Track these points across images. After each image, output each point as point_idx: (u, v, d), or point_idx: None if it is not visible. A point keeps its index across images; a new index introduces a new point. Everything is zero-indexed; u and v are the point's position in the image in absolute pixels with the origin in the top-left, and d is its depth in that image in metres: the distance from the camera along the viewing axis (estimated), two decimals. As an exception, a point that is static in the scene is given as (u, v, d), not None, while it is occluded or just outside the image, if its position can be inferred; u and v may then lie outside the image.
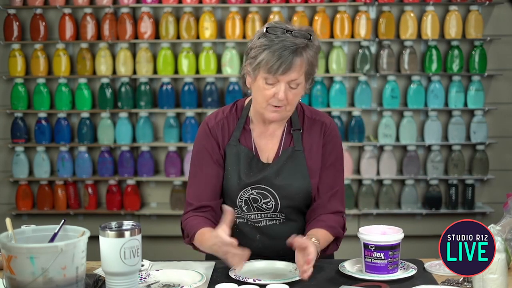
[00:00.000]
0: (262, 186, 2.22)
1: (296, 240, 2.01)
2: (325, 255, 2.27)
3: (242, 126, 2.26)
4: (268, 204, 2.24)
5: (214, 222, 2.20)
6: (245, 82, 2.23)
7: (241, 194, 2.23)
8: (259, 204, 2.24)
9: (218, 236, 1.98)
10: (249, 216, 2.26)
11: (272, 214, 2.26)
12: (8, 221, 1.87)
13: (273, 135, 2.28)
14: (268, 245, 2.29)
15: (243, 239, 2.25)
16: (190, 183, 2.29)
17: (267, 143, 2.28)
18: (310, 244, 2.00)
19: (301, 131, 2.27)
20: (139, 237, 1.84)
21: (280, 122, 2.26)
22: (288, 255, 2.26)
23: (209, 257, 2.43)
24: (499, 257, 1.90)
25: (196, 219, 2.22)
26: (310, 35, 2.13)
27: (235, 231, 2.28)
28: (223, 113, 2.30)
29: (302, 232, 2.27)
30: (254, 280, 1.99)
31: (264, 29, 2.14)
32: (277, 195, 2.23)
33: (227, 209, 2.05)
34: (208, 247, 2.08)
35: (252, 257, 2.25)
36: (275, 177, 2.22)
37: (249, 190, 2.23)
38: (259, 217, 2.26)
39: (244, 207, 2.25)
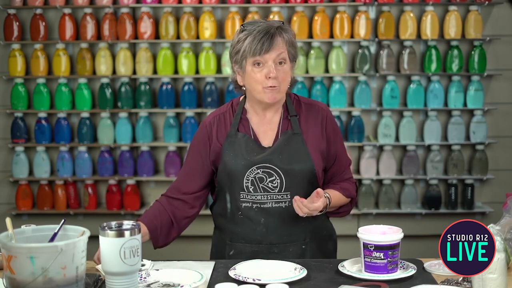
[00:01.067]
0: (267, 165, 2.32)
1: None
2: (340, 215, 2.45)
3: (239, 117, 2.39)
4: (274, 182, 2.32)
5: (169, 213, 2.40)
6: (236, 85, 2.39)
7: (247, 174, 2.32)
8: (265, 184, 2.32)
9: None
10: (255, 198, 2.33)
11: (278, 195, 2.32)
12: (8, 221, 1.87)
13: (270, 122, 2.39)
14: (273, 228, 2.34)
15: (247, 224, 2.35)
16: (179, 172, 2.48)
17: (266, 130, 2.39)
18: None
19: (298, 116, 2.39)
20: (139, 236, 1.84)
21: (277, 109, 2.39)
22: (292, 241, 2.36)
23: (214, 257, 2.45)
24: (498, 257, 1.90)
25: (151, 209, 2.41)
26: (282, 22, 2.31)
27: (239, 216, 2.35)
28: (220, 110, 2.46)
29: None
30: (254, 280, 1.99)
31: (240, 26, 2.33)
32: (282, 173, 2.31)
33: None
34: None
35: (256, 242, 2.35)
36: (277, 156, 2.32)
37: (255, 170, 2.32)
38: (265, 199, 2.33)
39: (250, 187, 2.32)
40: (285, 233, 2.35)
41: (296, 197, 2.23)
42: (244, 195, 2.34)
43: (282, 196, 2.33)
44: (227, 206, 2.38)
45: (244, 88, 2.37)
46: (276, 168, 2.31)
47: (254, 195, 2.33)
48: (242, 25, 2.32)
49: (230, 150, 2.34)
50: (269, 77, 2.25)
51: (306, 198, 2.31)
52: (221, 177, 2.37)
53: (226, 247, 2.40)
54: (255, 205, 2.33)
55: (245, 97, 2.43)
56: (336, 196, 2.38)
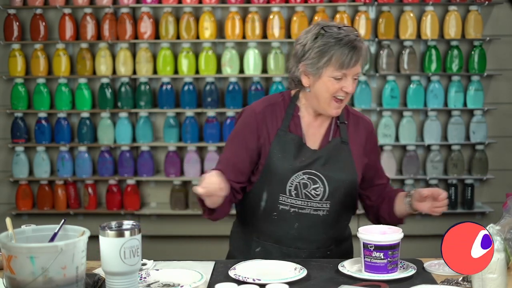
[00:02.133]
0: (313, 172, 2.30)
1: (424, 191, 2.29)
2: (401, 221, 2.43)
3: (291, 114, 2.34)
4: (317, 190, 2.30)
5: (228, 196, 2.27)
6: (298, 83, 2.32)
7: (292, 179, 2.30)
8: (308, 190, 2.30)
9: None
10: (295, 202, 2.30)
11: (318, 203, 2.31)
12: (8, 220, 1.87)
13: (320, 126, 2.37)
14: (305, 235, 2.33)
15: (280, 226, 2.33)
16: (219, 160, 2.37)
17: (315, 133, 2.36)
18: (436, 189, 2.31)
19: (346, 123, 2.38)
20: (139, 236, 1.84)
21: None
22: (319, 247, 2.34)
23: (234, 250, 2.45)
24: (498, 257, 1.90)
25: None
26: (355, 29, 2.29)
27: (274, 217, 2.33)
28: (270, 100, 2.39)
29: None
30: (254, 280, 1.99)
31: (319, 29, 2.25)
32: (326, 180, 2.29)
33: None
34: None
35: (285, 244, 2.34)
36: (324, 163, 2.30)
37: (300, 175, 2.30)
38: (304, 204, 2.31)
39: (293, 192, 2.30)
40: (315, 240, 2.34)
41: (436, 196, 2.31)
42: (284, 198, 2.31)
43: (321, 205, 2.31)
44: (260, 204, 2.34)
45: (309, 90, 2.31)
46: (322, 176, 2.29)
47: (294, 199, 2.30)
48: (323, 27, 2.25)
49: (279, 150, 2.31)
50: (344, 91, 2.25)
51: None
52: (264, 175, 2.32)
53: (253, 243, 2.39)
54: (292, 210, 2.31)
55: (297, 93, 2.38)
56: None
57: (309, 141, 2.35)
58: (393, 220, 2.41)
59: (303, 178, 2.29)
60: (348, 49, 2.21)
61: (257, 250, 2.37)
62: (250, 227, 2.41)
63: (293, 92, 2.40)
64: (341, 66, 2.21)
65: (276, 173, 2.29)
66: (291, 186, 2.30)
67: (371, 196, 2.48)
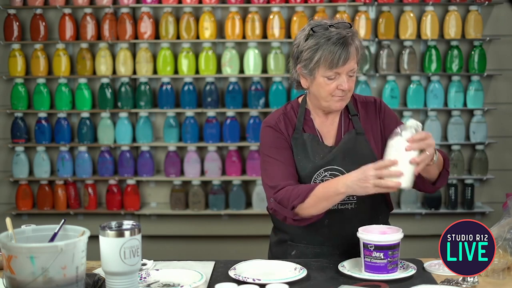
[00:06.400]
0: (334, 167, 2.30)
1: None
2: (434, 189, 2.47)
3: (303, 117, 2.36)
4: None
5: None
6: (298, 85, 2.34)
7: (315, 177, 2.30)
8: None
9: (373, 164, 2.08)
10: None
11: (345, 197, 2.27)
12: (8, 221, 1.87)
13: (332, 122, 2.38)
14: (336, 230, 2.33)
15: (310, 225, 2.31)
16: (268, 172, 2.32)
17: (329, 130, 2.37)
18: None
19: (358, 115, 2.37)
20: (139, 236, 1.85)
21: (338, 110, 2.36)
22: (355, 242, 2.26)
23: (273, 257, 2.44)
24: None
25: (294, 187, 2.24)
26: (350, 24, 2.26)
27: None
28: (279, 111, 2.40)
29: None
30: (254, 280, 1.99)
31: (309, 29, 2.24)
32: (347, 173, 2.25)
33: None
34: (344, 185, 2.13)
35: (318, 243, 2.33)
36: (343, 157, 2.30)
37: (322, 173, 2.30)
38: None
39: None
40: (348, 235, 2.29)
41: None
42: None
43: (348, 198, 2.31)
44: None
45: (308, 91, 2.35)
46: (343, 170, 2.28)
47: None
48: (312, 28, 2.24)
49: (297, 152, 2.32)
50: (340, 89, 2.24)
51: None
52: None
53: (288, 247, 2.39)
54: None
55: (304, 97, 2.40)
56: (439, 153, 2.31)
57: (325, 139, 2.36)
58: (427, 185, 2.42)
59: (325, 176, 2.30)
60: (337, 48, 2.19)
61: (292, 253, 2.38)
62: (283, 231, 2.41)
63: (300, 98, 2.43)
64: (331, 66, 2.20)
65: (299, 174, 2.30)
66: None
67: None
